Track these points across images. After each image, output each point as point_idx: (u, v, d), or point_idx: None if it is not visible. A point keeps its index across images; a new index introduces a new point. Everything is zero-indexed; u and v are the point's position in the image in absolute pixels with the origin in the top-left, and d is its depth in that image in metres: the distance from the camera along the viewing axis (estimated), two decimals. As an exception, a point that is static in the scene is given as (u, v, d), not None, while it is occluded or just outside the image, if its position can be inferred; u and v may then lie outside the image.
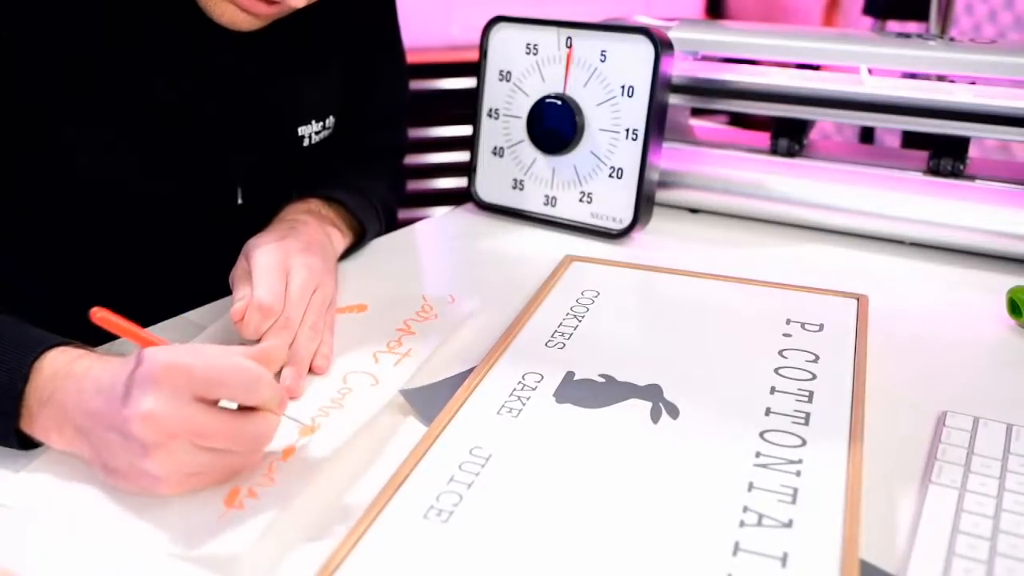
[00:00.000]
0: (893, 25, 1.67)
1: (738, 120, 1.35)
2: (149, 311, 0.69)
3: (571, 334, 0.65)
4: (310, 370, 0.60)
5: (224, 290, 0.67)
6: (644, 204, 0.82)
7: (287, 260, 0.64)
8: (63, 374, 0.50)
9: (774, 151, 0.88)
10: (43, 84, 0.65)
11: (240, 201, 0.77)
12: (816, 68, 0.86)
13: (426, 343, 0.64)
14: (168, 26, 0.68)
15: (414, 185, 2.13)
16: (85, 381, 0.49)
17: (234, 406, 0.48)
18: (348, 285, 0.74)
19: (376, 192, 0.85)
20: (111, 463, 0.47)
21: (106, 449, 0.47)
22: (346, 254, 0.79)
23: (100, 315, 0.50)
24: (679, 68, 0.86)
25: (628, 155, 0.81)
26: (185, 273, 0.77)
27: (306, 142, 0.80)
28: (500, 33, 0.87)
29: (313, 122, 0.80)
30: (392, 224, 0.91)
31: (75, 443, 0.49)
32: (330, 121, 0.83)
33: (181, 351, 0.48)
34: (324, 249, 0.70)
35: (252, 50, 0.73)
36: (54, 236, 0.74)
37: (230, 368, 0.47)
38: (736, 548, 0.44)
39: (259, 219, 0.76)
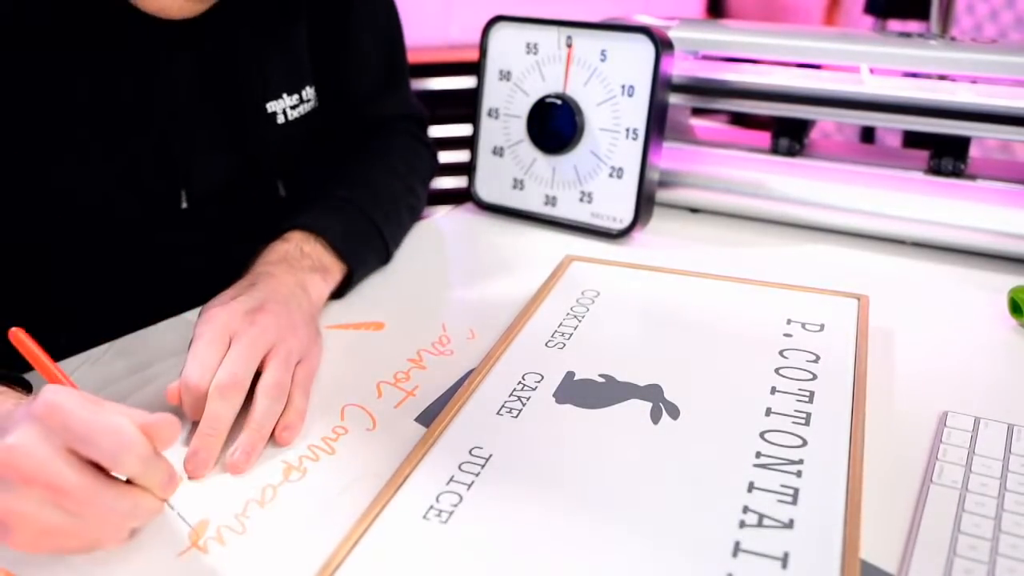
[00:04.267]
0: (894, 24, 1.67)
1: (738, 120, 1.34)
2: (146, 312, 0.69)
3: (571, 334, 0.65)
4: (273, 437, 0.53)
5: (216, 285, 0.64)
6: (644, 204, 0.81)
7: (231, 324, 0.56)
8: None
9: (775, 151, 0.88)
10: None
11: (189, 198, 0.71)
12: (817, 67, 0.86)
13: (434, 387, 0.59)
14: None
15: (414, 185, 2.12)
16: None
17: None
18: (358, 289, 0.74)
19: (383, 196, 0.77)
20: None
21: None
22: (345, 288, 0.72)
23: (16, 337, 0.47)
24: (679, 68, 0.86)
25: (628, 155, 0.81)
26: (171, 271, 0.73)
27: (280, 119, 0.73)
28: (500, 33, 0.86)
29: (284, 96, 0.73)
30: (417, 214, 0.85)
31: None
32: (308, 93, 0.76)
33: (77, 397, 0.42)
34: (288, 304, 0.60)
35: (202, 17, 0.66)
36: (15, 250, 0.69)
37: (103, 428, 0.41)
38: (737, 548, 0.44)
39: (231, 210, 0.72)
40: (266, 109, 0.73)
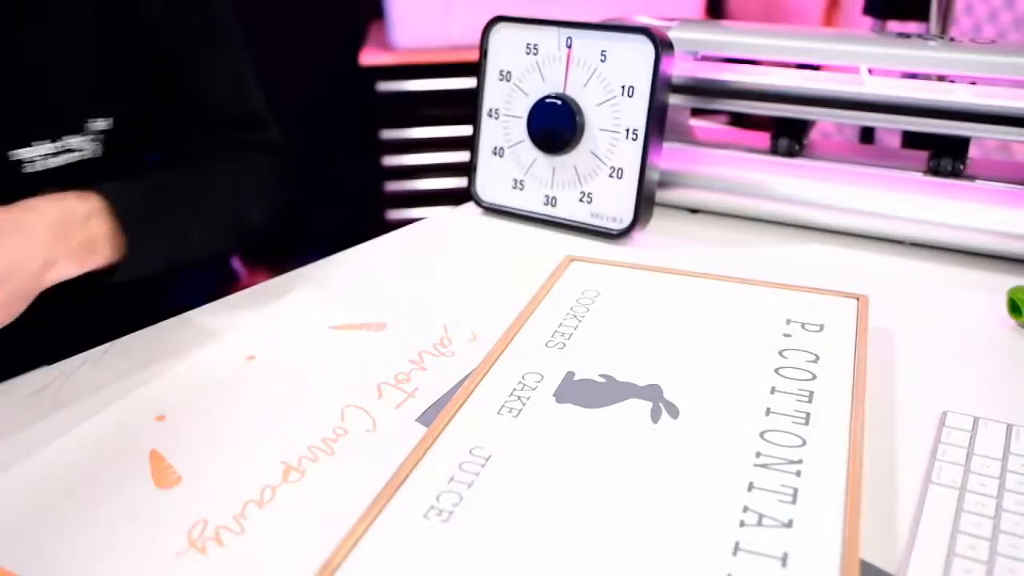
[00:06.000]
0: (893, 25, 1.67)
1: (738, 120, 1.34)
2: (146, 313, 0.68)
3: (571, 334, 0.65)
4: None
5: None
6: (644, 204, 0.82)
7: None
8: None
9: (774, 151, 0.88)
10: None
11: None
12: (816, 68, 0.86)
13: (434, 388, 0.60)
14: None
15: (413, 185, 2.13)
16: None
17: None
18: (359, 289, 0.74)
19: (179, 199, 0.66)
20: None
21: None
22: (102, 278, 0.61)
23: None
24: (679, 68, 0.86)
25: (628, 155, 0.81)
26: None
27: (27, 168, 0.60)
28: (500, 33, 0.87)
29: (35, 143, 0.60)
30: (240, 242, 0.75)
31: None
32: (76, 141, 0.63)
33: None
34: (24, 233, 0.52)
35: None
36: None
37: None
38: (736, 548, 0.44)
39: None
40: (7, 156, 0.60)
